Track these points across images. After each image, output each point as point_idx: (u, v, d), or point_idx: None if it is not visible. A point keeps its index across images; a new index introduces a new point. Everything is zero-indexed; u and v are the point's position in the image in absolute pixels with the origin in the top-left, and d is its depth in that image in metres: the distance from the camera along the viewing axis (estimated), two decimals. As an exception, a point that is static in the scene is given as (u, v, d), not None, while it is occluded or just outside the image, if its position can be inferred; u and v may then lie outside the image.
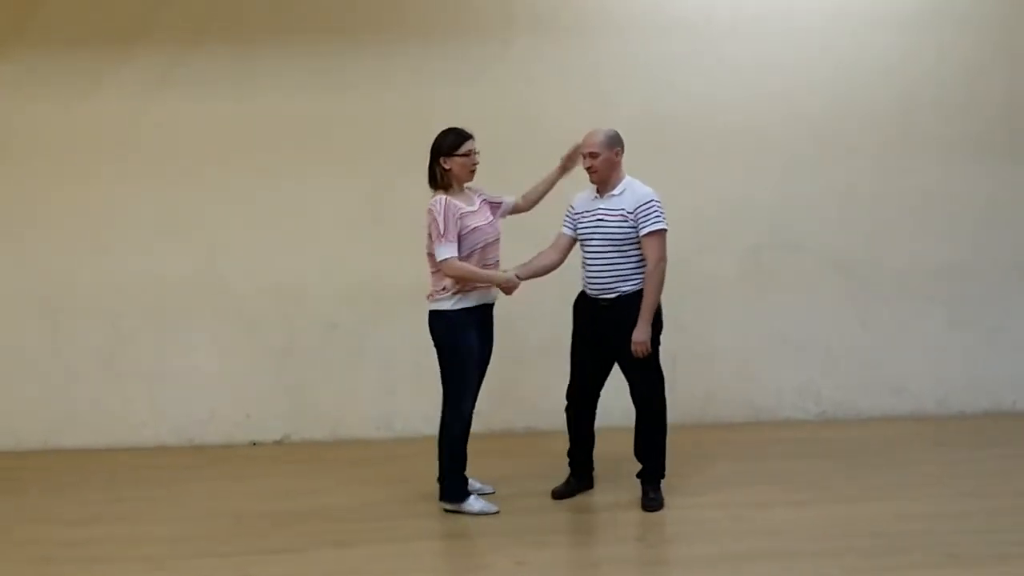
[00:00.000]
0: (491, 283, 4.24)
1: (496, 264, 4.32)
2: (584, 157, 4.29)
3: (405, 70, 5.58)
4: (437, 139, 4.24)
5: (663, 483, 4.42)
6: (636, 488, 4.43)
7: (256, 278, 5.64)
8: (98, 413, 5.65)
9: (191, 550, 3.97)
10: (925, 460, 4.94)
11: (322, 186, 5.62)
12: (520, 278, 4.30)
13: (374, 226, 5.59)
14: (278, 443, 5.69)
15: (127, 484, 4.94)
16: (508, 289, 4.28)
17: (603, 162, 4.27)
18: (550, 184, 4.57)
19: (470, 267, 4.17)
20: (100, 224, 5.60)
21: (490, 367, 4.47)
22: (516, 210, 4.55)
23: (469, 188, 4.36)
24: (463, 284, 4.18)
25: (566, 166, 4.55)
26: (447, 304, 4.19)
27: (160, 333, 5.65)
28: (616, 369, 4.41)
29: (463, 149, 4.21)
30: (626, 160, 4.38)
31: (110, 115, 5.56)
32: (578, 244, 4.41)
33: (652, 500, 4.33)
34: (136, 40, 5.53)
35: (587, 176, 4.34)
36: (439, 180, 4.24)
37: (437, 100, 5.47)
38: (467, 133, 4.26)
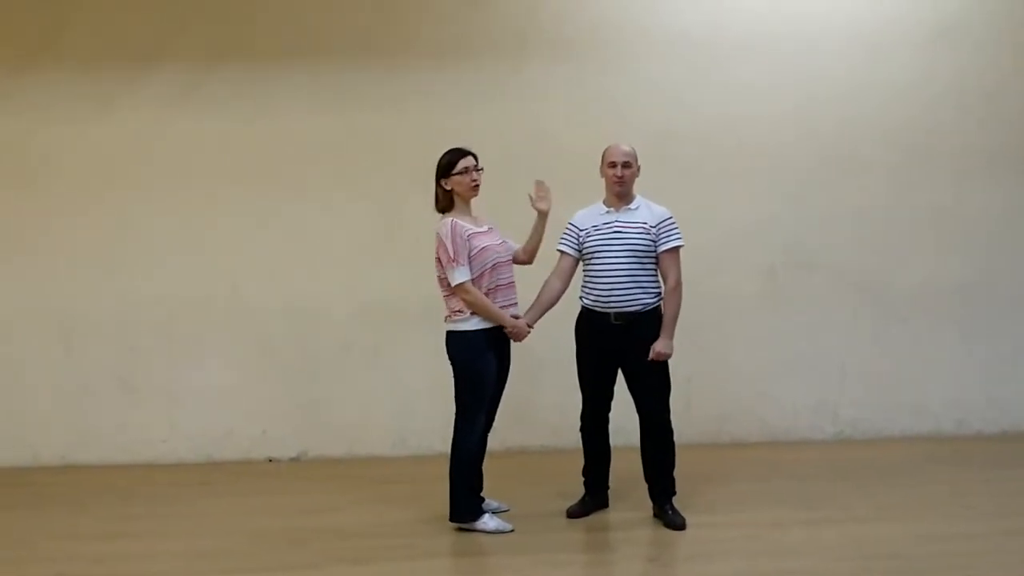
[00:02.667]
0: (500, 323, 4.21)
1: (509, 284, 4.30)
2: (615, 166, 4.27)
3: (419, 90, 5.64)
4: (438, 162, 4.25)
5: (675, 500, 4.41)
6: (651, 507, 4.43)
7: (272, 297, 5.69)
8: (116, 429, 5.68)
9: (208, 566, 3.98)
10: (943, 480, 4.91)
11: (336, 205, 5.67)
12: (531, 326, 4.31)
13: (389, 245, 5.63)
14: (294, 460, 5.72)
15: (144, 500, 4.96)
16: (516, 336, 4.28)
17: (633, 173, 4.31)
18: (540, 230, 4.42)
19: (485, 300, 4.17)
20: (116, 243, 5.66)
21: (506, 386, 4.46)
22: (517, 260, 4.42)
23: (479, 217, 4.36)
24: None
25: (540, 207, 4.36)
26: (465, 325, 4.20)
27: (177, 351, 5.69)
28: (620, 387, 4.40)
29: (459, 167, 4.21)
30: (640, 179, 4.42)
31: (126, 135, 5.64)
32: (581, 263, 4.39)
33: (676, 516, 4.31)
34: (152, 61, 5.61)
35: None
36: (441, 202, 4.28)
37: (451, 120, 5.51)
38: (464, 151, 4.25)
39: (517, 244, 4.46)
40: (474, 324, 4.20)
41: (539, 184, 4.40)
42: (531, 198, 4.39)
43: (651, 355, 4.25)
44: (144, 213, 5.65)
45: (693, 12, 5.67)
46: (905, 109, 5.74)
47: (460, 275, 4.13)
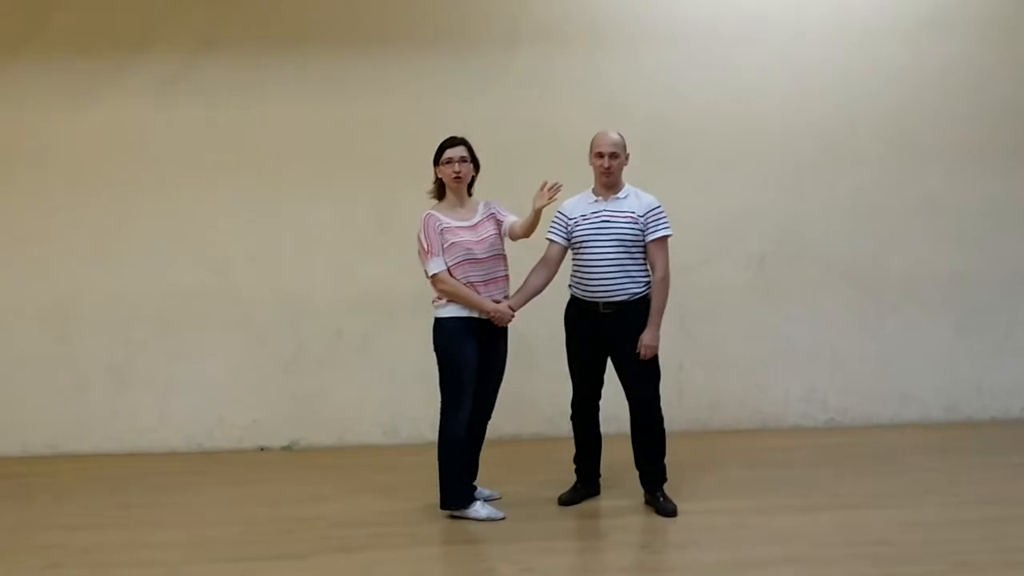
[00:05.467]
0: (480, 309, 4.20)
1: (492, 280, 4.25)
2: (602, 156, 4.25)
3: (413, 79, 5.61)
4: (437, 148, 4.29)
5: (667, 488, 4.42)
6: (642, 494, 4.44)
7: (264, 286, 5.67)
8: (106, 419, 5.67)
9: (199, 555, 3.98)
10: (932, 467, 4.93)
11: (329, 195, 5.65)
12: (514, 309, 4.28)
13: (381, 235, 5.61)
14: (286, 449, 5.71)
15: (135, 490, 4.95)
16: (500, 320, 4.25)
17: (620, 163, 4.29)
18: (534, 219, 4.17)
19: (461, 287, 4.18)
20: (109, 233, 5.63)
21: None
22: (512, 235, 4.30)
23: (486, 203, 4.35)
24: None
25: (536, 204, 4.12)
26: (443, 312, 4.23)
27: (169, 341, 5.67)
28: (610, 376, 4.40)
29: (444, 157, 4.23)
30: (633, 168, 4.41)
31: (117, 124, 5.60)
32: (570, 251, 4.38)
33: (668, 503, 4.33)
34: (142, 50, 5.57)
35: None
36: (435, 190, 4.32)
37: (445, 109, 5.49)
38: (455, 141, 4.25)
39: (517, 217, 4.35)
40: (452, 311, 4.21)
41: (554, 187, 4.11)
42: (542, 188, 4.13)
43: (638, 348, 4.25)
44: (134, 203, 5.62)
45: (687, 1, 5.65)
46: (895, 98, 5.73)
47: (434, 266, 4.17)
